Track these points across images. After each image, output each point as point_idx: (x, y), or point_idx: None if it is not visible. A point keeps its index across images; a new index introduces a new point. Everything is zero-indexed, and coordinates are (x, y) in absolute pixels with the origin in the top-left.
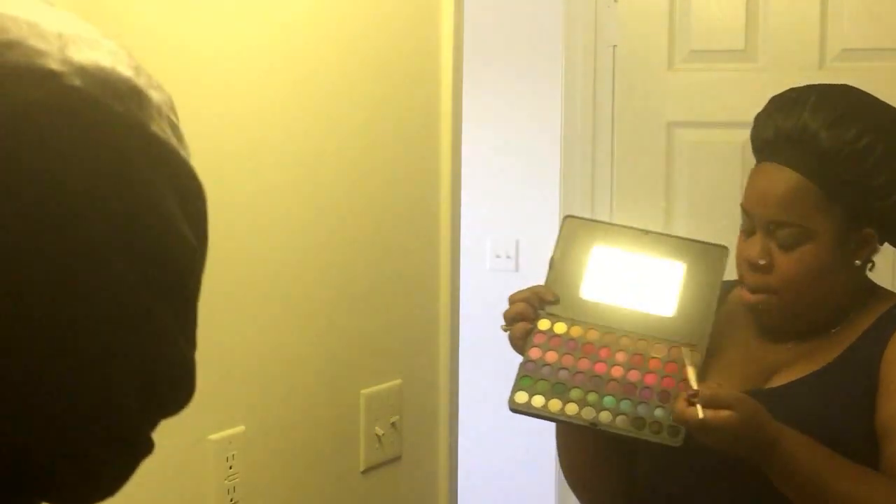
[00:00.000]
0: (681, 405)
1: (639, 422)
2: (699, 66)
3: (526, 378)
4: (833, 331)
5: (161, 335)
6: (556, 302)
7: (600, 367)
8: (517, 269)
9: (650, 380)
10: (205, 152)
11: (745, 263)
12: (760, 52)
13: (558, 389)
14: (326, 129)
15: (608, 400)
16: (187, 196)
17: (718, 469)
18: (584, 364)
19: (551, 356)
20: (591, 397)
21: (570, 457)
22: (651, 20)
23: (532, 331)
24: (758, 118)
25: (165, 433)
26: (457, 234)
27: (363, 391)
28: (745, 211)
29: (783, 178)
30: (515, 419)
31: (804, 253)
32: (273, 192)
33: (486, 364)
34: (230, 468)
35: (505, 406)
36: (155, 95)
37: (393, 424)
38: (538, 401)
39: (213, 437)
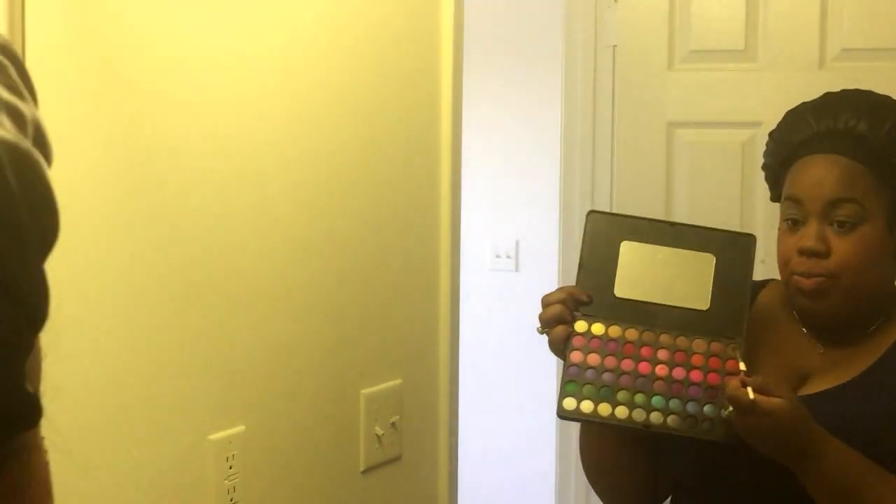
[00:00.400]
0: (735, 383)
1: (690, 420)
2: (699, 66)
3: (571, 383)
4: (867, 333)
5: None
6: (589, 302)
7: (644, 367)
8: (517, 269)
9: (696, 376)
10: (203, 153)
11: (797, 255)
12: (760, 52)
13: (605, 393)
14: (326, 129)
15: (657, 400)
16: None
17: (751, 472)
18: (627, 364)
19: (593, 359)
20: (639, 398)
21: (596, 456)
22: (651, 20)
23: (571, 334)
24: (783, 128)
25: (165, 433)
26: (457, 234)
27: (363, 391)
28: (797, 199)
29: (837, 163)
30: (515, 419)
31: (862, 235)
32: (273, 192)
33: (486, 364)
34: (230, 468)
35: (505, 406)
36: None
37: (393, 424)
38: (587, 406)
39: (213, 437)
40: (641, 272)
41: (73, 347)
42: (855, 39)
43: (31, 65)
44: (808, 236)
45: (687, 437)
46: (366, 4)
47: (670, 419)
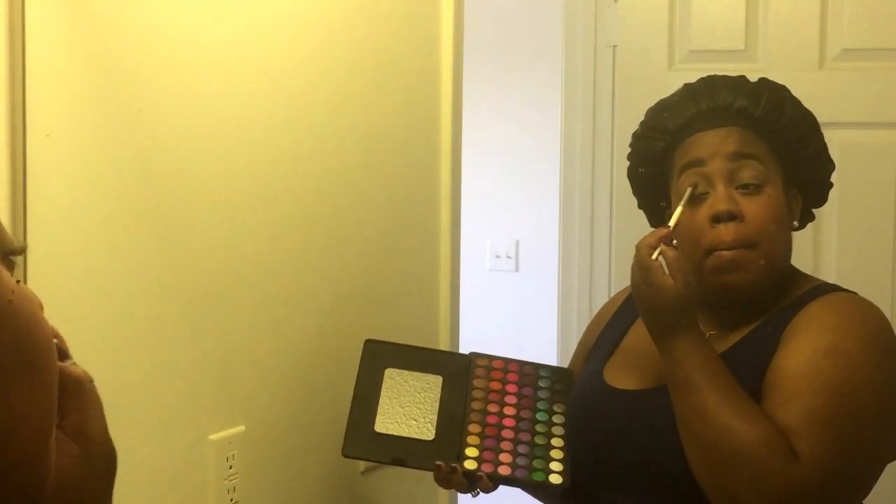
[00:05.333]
0: (651, 240)
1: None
2: (699, 66)
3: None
4: (753, 313)
5: None
6: None
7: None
8: (517, 269)
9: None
10: (203, 157)
11: (710, 225)
12: (760, 52)
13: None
14: (327, 130)
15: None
16: None
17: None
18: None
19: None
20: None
21: None
22: (651, 20)
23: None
24: (655, 121)
25: (165, 433)
26: (457, 234)
27: None
28: (700, 160)
29: (732, 131)
30: None
31: (769, 196)
32: (273, 193)
33: None
34: (230, 468)
35: None
36: None
37: None
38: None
39: (213, 437)
40: (397, 402)
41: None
42: (855, 39)
43: (31, 64)
44: (720, 200)
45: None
46: (366, 5)
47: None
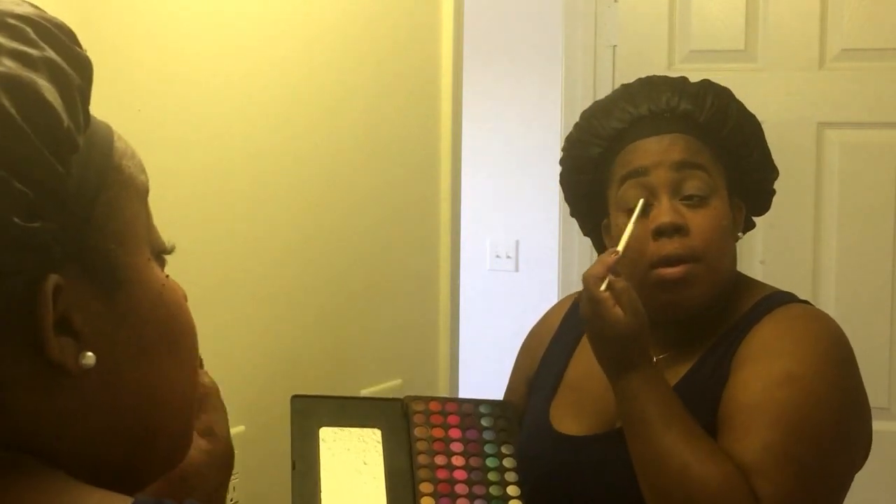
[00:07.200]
0: (598, 270)
1: None
2: (699, 66)
3: None
4: (700, 326)
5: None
6: None
7: None
8: (517, 269)
9: None
10: (204, 153)
11: (654, 239)
12: (760, 52)
13: None
14: (327, 129)
15: None
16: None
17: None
18: None
19: None
20: None
21: None
22: (651, 20)
23: None
24: (590, 123)
25: None
26: (457, 234)
27: (363, 391)
28: (643, 169)
29: (677, 138)
30: None
31: (714, 208)
32: (273, 193)
33: (485, 364)
34: None
35: None
36: None
37: None
38: None
39: None
40: (339, 468)
41: None
42: (855, 39)
43: None
44: (664, 212)
45: None
46: (366, 4)
47: None
